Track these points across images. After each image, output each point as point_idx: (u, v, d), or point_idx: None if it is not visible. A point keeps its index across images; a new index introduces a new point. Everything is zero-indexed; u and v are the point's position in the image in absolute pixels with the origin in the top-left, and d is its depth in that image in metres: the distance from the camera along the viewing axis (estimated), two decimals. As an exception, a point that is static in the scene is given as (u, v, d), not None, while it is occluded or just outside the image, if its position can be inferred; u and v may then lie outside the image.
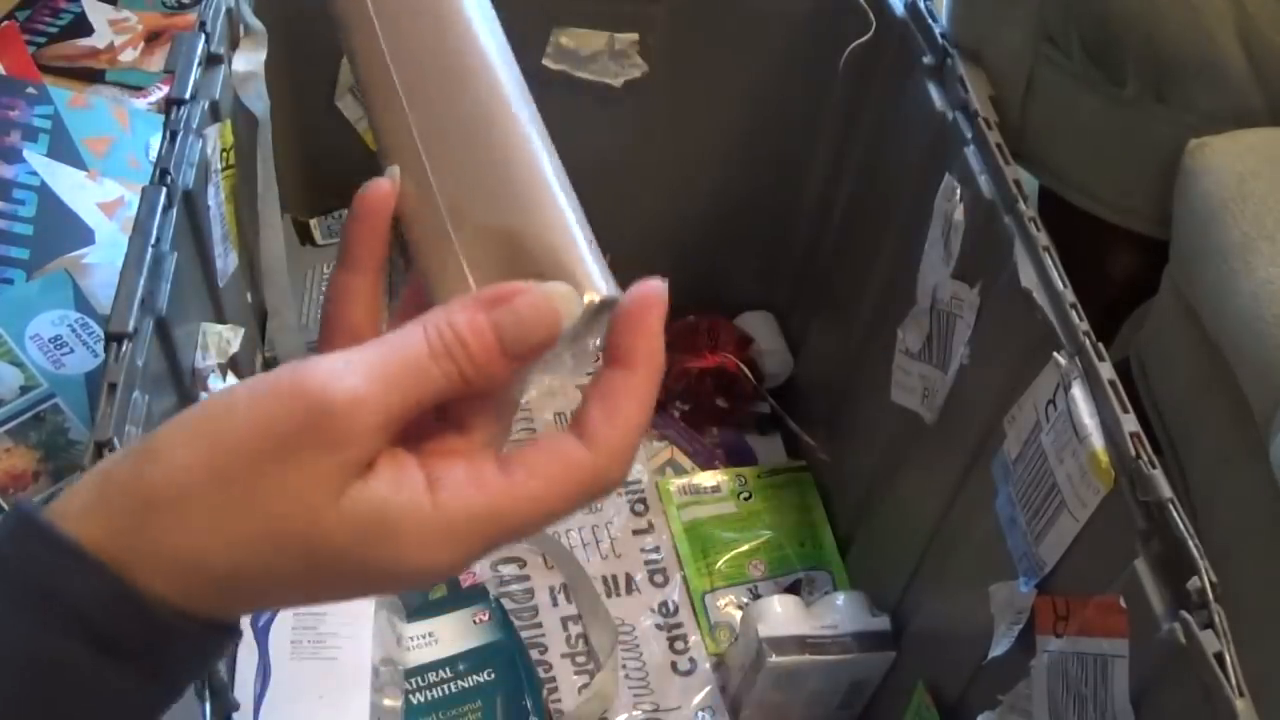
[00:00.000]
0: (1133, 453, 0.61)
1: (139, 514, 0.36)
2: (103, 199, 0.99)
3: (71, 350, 0.81)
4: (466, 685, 0.87)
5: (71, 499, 0.36)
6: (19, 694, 0.35)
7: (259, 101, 0.82)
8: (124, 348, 0.60)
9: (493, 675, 0.88)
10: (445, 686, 0.87)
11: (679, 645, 0.97)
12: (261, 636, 0.77)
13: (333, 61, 0.95)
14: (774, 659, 0.88)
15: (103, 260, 0.90)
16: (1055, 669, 0.65)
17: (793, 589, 1.01)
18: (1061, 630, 0.65)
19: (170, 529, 0.35)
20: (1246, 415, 0.71)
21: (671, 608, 0.99)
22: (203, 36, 0.77)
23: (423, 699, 0.86)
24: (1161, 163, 0.81)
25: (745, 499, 1.06)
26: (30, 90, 1.16)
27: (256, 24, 0.82)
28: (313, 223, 0.98)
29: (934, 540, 0.85)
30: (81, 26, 1.26)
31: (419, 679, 0.87)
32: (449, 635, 0.89)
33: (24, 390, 0.78)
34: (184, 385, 0.69)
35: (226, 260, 0.78)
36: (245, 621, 0.77)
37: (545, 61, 0.95)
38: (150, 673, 0.36)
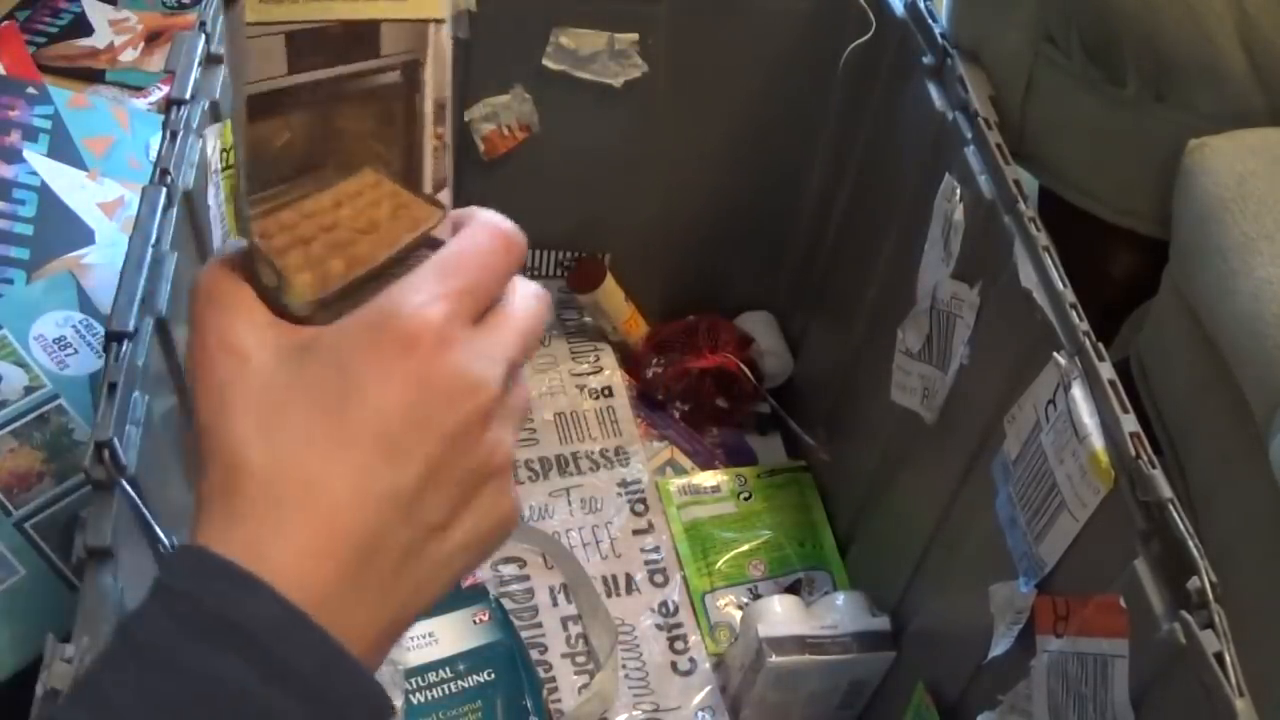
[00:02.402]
0: (1133, 453, 0.61)
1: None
2: (103, 199, 0.99)
3: (75, 351, 0.81)
4: (466, 685, 0.87)
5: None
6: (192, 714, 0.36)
7: (259, 101, 0.82)
8: (124, 348, 0.61)
9: (493, 675, 0.88)
10: (445, 686, 0.87)
11: (679, 645, 0.97)
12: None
13: (333, 61, 0.95)
14: (774, 659, 0.88)
15: (103, 260, 0.90)
16: (1055, 669, 0.65)
17: (793, 589, 1.01)
18: (1061, 630, 0.65)
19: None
20: (1246, 415, 0.71)
21: (671, 608, 0.99)
22: (203, 36, 0.77)
23: (423, 699, 0.86)
24: (1161, 163, 0.81)
25: (745, 499, 1.06)
26: (30, 90, 1.16)
27: (257, 24, 0.82)
28: (313, 223, 0.97)
29: (934, 540, 0.85)
30: (81, 26, 1.26)
31: (419, 679, 0.87)
32: (449, 635, 0.89)
33: (28, 390, 0.78)
34: (184, 385, 0.69)
35: (227, 260, 0.78)
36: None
37: (545, 61, 0.95)
38: (313, 696, 0.37)
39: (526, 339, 0.42)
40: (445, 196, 0.44)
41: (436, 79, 0.43)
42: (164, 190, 0.69)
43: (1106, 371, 0.65)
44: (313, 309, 0.43)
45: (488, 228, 0.42)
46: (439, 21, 0.43)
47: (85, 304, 0.85)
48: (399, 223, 0.44)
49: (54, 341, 0.81)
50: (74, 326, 0.83)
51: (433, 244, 0.43)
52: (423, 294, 0.40)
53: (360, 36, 0.41)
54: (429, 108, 0.43)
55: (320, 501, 0.38)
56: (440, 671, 0.87)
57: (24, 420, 0.77)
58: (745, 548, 1.03)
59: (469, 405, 0.40)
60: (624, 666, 0.95)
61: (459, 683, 0.87)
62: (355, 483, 0.38)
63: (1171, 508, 0.59)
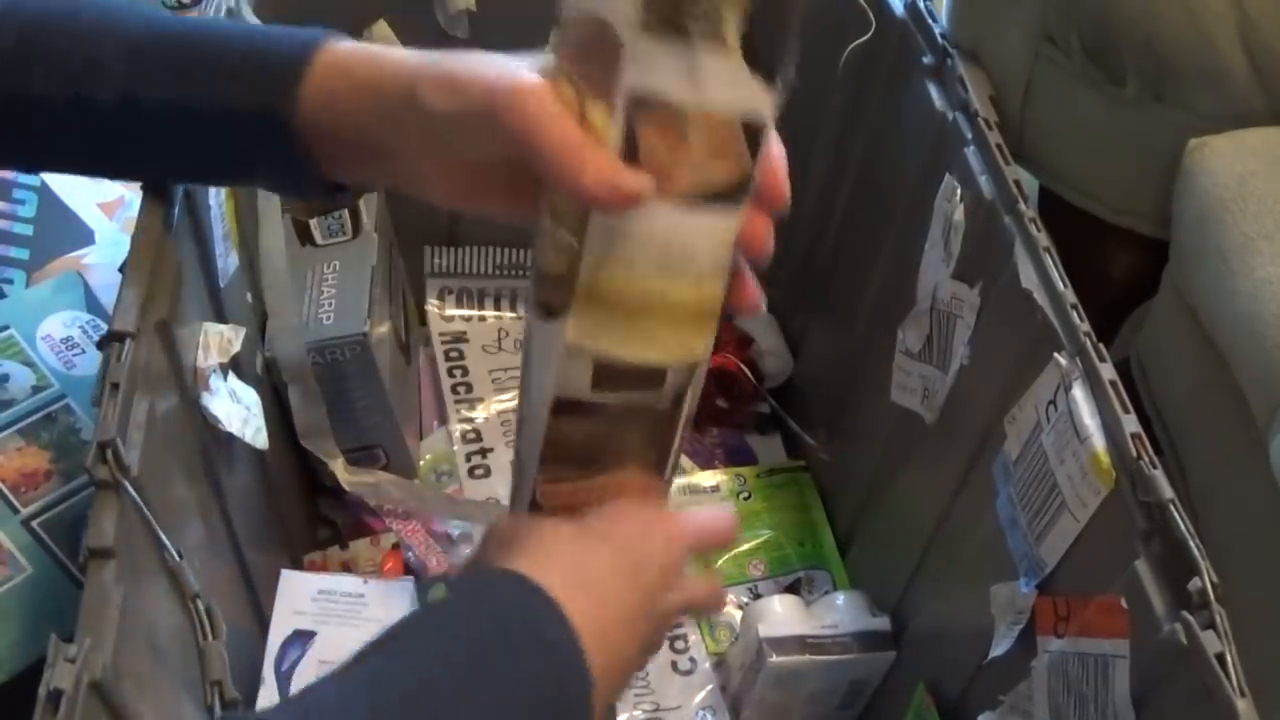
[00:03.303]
0: (1133, 453, 0.61)
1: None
2: (103, 199, 0.99)
3: (83, 351, 0.81)
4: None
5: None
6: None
7: (260, 102, 0.82)
8: (125, 348, 0.60)
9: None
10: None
11: (679, 645, 0.97)
12: (284, 683, 0.78)
13: (333, 62, 0.95)
14: (774, 659, 0.88)
15: (103, 261, 0.90)
16: (1056, 669, 0.65)
17: (793, 589, 1.01)
18: (1062, 630, 0.65)
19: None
20: (1246, 415, 0.71)
21: (672, 607, 0.99)
22: (203, 37, 0.77)
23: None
24: (1161, 163, 0.81)
25: (745, 499, 1.06)
26: (30, 90, 1.15)
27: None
28: (313, 223, 0.97)
29: (934, 540, 0.85)
30: (81, 26, 1.26)
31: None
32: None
33: (35, 390, 0.78)
34: (185, 385, 0.69)
35: (227, 260, 0.78)
36: (268, 666, 0.78)
37: (546, 61, 0.95)
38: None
39: (703, 596, 0.57)
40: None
41: (693, 401, 0.52)
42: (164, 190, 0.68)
43: (1107, 372, 0.65)
44: None
45: (725, 509, 0.60)
46: (705, 362, 0.52)
47: (93, 304, 0.85)
48: None
49: (61, 341, 0.81)
50: (81, 327, 0.83)
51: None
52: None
53: (650, 374, 0.50)
54: (684, 422, 0.53)
55: (585, 567, 0.49)
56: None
57: (31, 419, 0.77)
58: (745, 547, 1.03)
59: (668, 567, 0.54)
60: (624, 666, 0.95)
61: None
62: (612, 569, 0.50)
63: (1172, 508, 0.59)
